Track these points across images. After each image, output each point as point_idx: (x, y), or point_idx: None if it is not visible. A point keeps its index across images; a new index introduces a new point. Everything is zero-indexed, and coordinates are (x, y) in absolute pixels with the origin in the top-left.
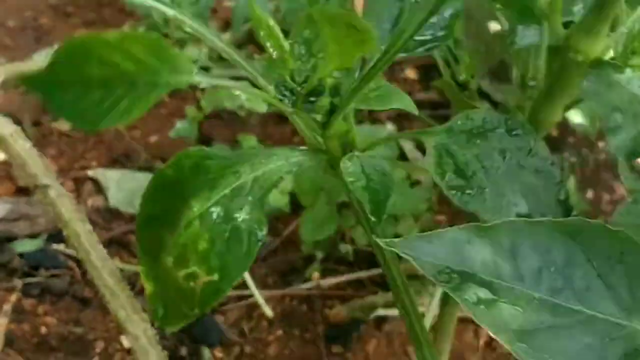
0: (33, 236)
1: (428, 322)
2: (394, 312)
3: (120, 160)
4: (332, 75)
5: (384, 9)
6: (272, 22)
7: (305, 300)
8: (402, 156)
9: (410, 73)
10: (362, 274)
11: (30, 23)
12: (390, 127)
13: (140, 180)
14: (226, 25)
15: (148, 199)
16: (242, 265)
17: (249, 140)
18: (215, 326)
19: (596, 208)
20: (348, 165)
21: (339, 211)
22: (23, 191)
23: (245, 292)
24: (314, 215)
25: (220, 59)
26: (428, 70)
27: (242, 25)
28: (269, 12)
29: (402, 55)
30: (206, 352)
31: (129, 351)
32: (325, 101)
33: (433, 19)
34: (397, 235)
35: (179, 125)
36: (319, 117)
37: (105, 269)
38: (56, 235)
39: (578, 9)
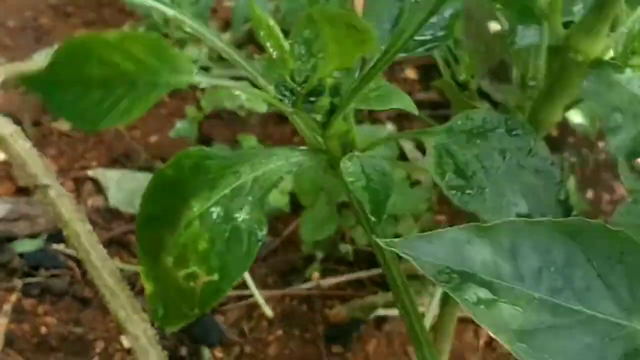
0: (33, 236)
1: (428, 322)
2: (394, 312)
3: (120, 160)
4: (332, 75)
5: (384, 9)
6: (272, 22)
7: (305, 300)
8: (402, 156)
9: (410, 73)
10: (362, 274)
11: (30, 23)
12: (390, 127)
13: (140, 180)
14: (226, 25)
15: (148, 199)
16: (242, 265)
17: (249, 140)
18: (215, 326)
19: (596, 208)
20: (348, 165)
21: (339, 211)
22: (23, 191)
23: (245, 292)
24: (314, 215)
25: (220, 59)
26: (428, 70)
27: (242, 25)
28: (269, 12)
29: (402, 55)
30: (206, 352)
31: (129, 351)
32: (325, 101)
33: (433, 19)
34: (397, 235)
35: (179, 125)
36: (319, 117)
37: (105, 269)
38: (56, 235)
39: (578, 9)
